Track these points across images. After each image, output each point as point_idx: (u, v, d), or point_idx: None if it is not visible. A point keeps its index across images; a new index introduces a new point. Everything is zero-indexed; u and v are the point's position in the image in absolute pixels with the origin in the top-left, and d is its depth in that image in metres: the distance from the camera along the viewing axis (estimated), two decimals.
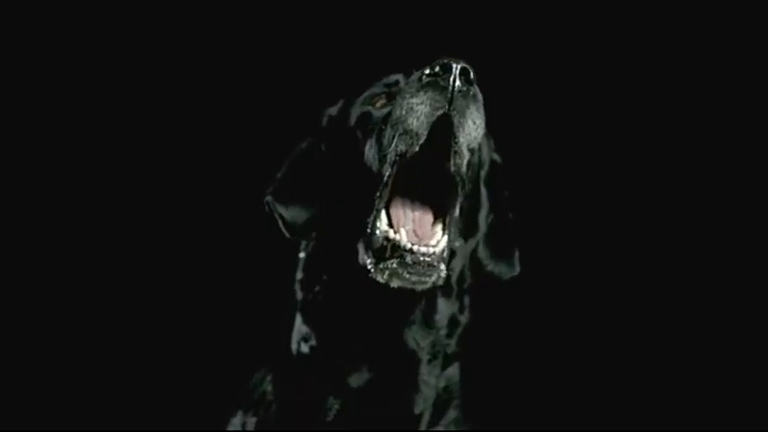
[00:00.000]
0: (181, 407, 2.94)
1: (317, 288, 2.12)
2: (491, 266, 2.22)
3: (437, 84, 1.87)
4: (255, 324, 2.51)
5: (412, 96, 1.89)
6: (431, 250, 1.91)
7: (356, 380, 2.06)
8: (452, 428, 2.20)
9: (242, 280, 2.96)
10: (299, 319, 2.16)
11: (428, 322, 2.09)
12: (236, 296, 2.99)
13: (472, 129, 1.89)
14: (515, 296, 2.65)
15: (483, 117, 1.92)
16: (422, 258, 1.89)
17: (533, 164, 2.81)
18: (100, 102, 3.11)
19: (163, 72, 3.12)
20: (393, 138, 1.91)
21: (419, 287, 1.92)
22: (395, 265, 1.90)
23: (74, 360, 3.07)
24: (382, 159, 1.96)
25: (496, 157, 2.30)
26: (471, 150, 1.93)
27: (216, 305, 3.03)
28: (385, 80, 2.17)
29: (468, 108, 1.87)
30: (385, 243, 1.92)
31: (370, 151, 2.02)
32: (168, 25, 3.07)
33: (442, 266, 1.92)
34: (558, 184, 3.03)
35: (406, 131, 1.88)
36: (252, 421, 2.18)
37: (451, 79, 1.85)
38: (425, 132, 1.87)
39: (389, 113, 1.97)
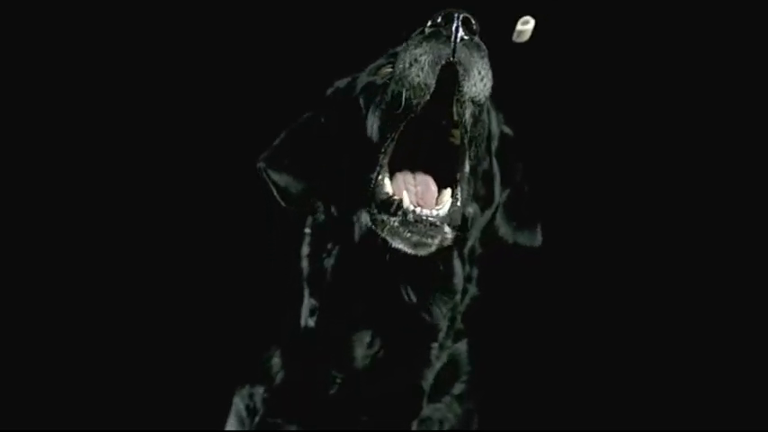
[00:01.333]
0: (188, 387, 2.95)
1: (323, 255, 2.09)
2: (511, 237, 2.19)
3: (440, 33, 1.84)
4: (266, 301, 2.49)
5: (415, 48, 1.86)
6: (434, 212, 1.88)
7: (361, 353, 2.02)
8: (455, 404, 2.16)
9: (253, 259, 2.94)
10: (306, 293, 2.14)
11: (449, 287, 2.05)
12: (246, 273, 2.95)
13: (477, 79, 1.85)
14: (529, 272, 2.63)
15: (489, 69, 1.88)
16: (425, 217, 1.86)
17: (544, 138, 2.77)
18: (93, 80, 3.09)
19: (168, 75, 3.10)
20: (399, 93, 1.87)
21: (421, 251, 1.88)
22: (396, 224, 1.86)
23: (72, 350, 3.05)
24: (386, 117, 1.93)
25: (507, 129, 2.27)
26: (477, 104, 1.89)
27: (226, 284, 3.01)
28: (391, 51, 2.15)
29: (473, 57, 1.84)
30: (388, 201, 1.89)
31: (373, 114, 2.00)
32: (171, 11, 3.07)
33: (447, 228, 1.88)
34: (569, 159, 2.98)
35: (412, 86, 1.84)
36: (260, 392, 2.16)
37: (454, 28, 1.83)
38: (433, 82, 1.83)
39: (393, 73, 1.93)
